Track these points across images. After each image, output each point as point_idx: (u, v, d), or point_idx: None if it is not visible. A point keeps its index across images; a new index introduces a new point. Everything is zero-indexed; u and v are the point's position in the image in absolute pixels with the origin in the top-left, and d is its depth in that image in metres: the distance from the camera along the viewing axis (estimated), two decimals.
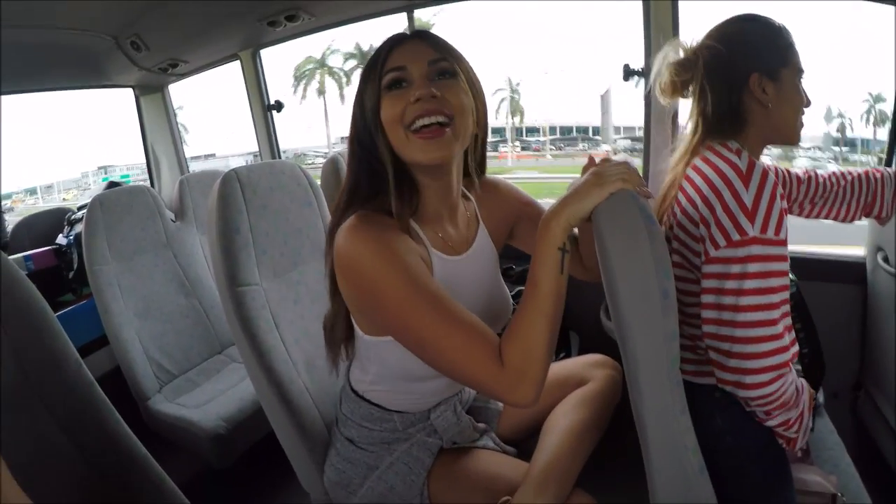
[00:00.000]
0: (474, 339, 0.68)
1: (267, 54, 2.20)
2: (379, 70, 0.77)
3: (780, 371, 0.75)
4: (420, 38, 0.79)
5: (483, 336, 0.69)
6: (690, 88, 0.90)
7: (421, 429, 0.93)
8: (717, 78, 0.86)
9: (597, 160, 0.79)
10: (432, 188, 0.82)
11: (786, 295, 0.75)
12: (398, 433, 0.92)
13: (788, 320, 0.78)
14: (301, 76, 19.48)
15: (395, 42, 0.79)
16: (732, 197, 0.75)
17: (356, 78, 0.94)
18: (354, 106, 0.80)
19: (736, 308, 0.74)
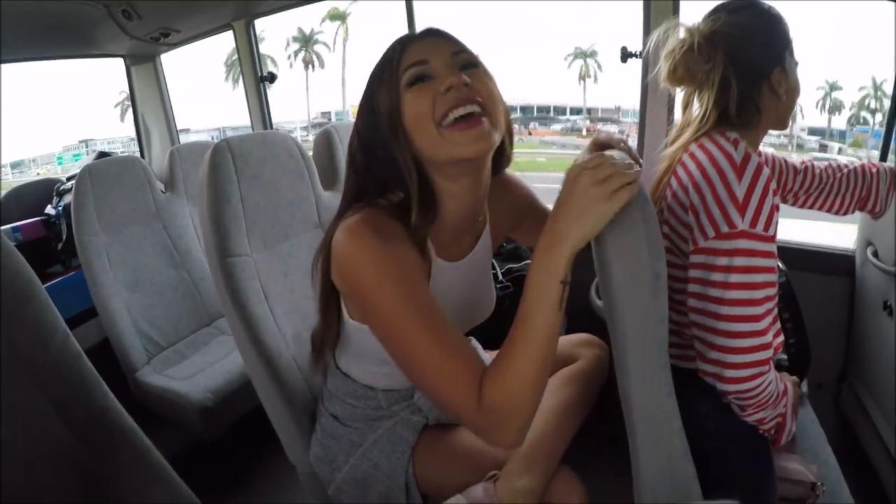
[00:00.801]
0: (460, 369, 0.64)
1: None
2: (395, 68, 0.71)
3: (759, 368, 0.75)
4: (434, 34, 0.74)
5: (471, 367, 0.64)
6: (699, 76, 0.85)
7: (405, 406, 0.92)
8: (742, 71, 0.82)
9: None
10: (456, 194, 0.76)
11: (771, 292, 0.75)
12: (382, 410, 0.92)
13: (771, 318, 0.77)
14: (232, 64, 19.92)
15: (407, 40, 0.73)
16: (724, 188, 0.74)
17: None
18: (361, 113, 0.75)
19: (720, 301, 0.74)
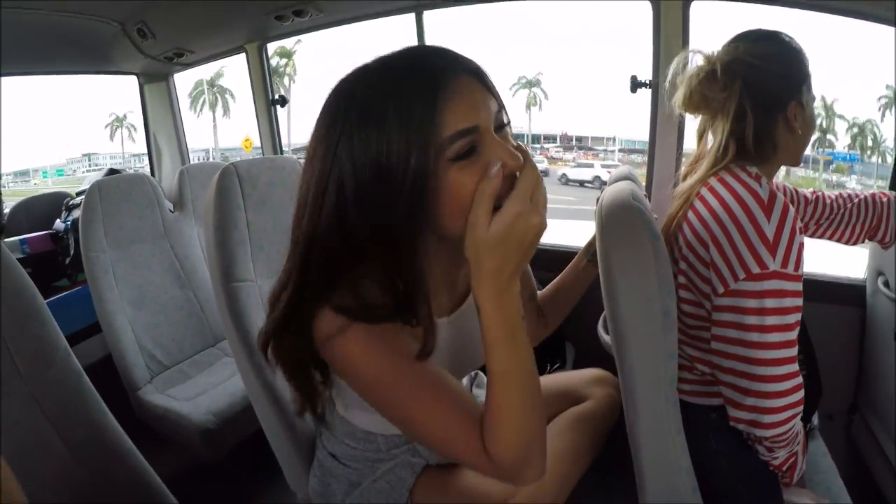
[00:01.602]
0: (464, 431, 0.59)
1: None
2: (433, 127, 0.54)
3: (797, 409, 0.73)
4: (476, 75, 0.59)
5: (476, 427, 0.59)
6: (714, 104, 0.85)
7: (405, 450, 0.89)
8: (759, 101, 0.81)
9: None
10: (449, 259, 0.69)
11: (797, 330, 0.73)
12: (382, 454, 0.88)
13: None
14: (197, 95, 20.64)
15: (443, 82, 0.55)
16: (753, 227, 0.71)
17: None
18: (359, 160, 0.56)
19: (759, 345, 0.71)
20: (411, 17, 1.84)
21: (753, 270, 0.70)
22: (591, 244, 0.98)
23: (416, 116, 0.54)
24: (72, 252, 2.05)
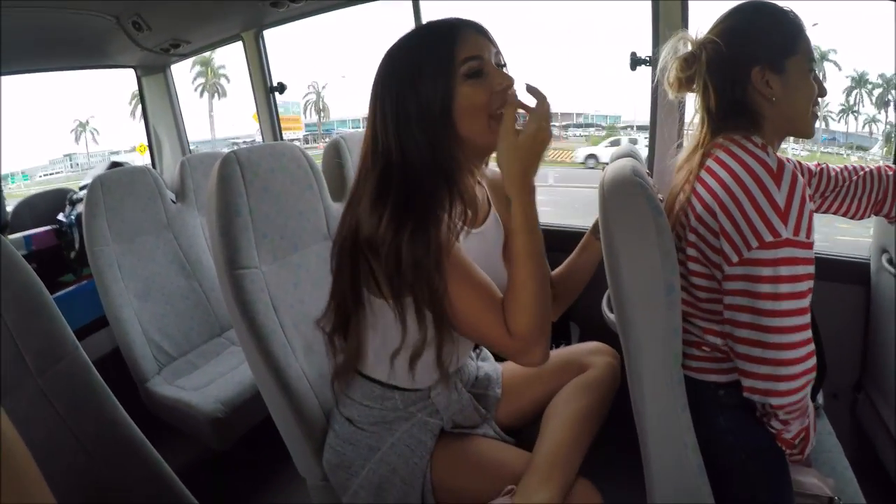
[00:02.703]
0: (494, 316, 0.75)
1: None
2: (449, 58, 0.76)
3: (810, 376, 0.74)
4: (479, 30, 0.81)
5: (501, 313, 0.75)
6: (695, 82, 0.88)
7: (422, 408, 0.92)
8: (718, 74, 0.84)
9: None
10: (469, 172, 0.86)
11: (810, 297, 0.73)
12: (399, 412, 0.91)
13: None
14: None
15: (457, 33, 0.78)
16: (764, 196, 0.71)
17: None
18: (398, 101, 0.78)
19: (773, 313, 0.72)
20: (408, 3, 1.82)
21: (766, 239, 0.70)
22: (598, 222, 0.99)
23: (440, 51, 0.77)
24: (76, 247, 2.06)
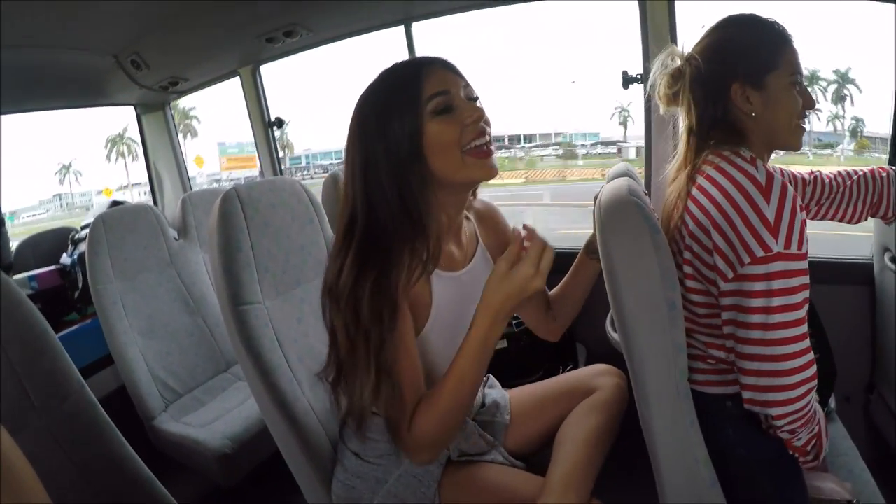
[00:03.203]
0: (409, 401, 0.75)
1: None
2: (416, 95, 0.76)
3: (810, 384, 0.73)
4: (446, 66, 0.81)
5: (414, 401, 0.76)
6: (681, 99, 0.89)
7: None
8: (699, 90, 0.86)
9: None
10: (449, 208, 0.84)
11: (807, 307, 0.73)
12: None
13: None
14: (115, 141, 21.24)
15: (421, 68, 0.79)
16: (754, 211, 0.72)
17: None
18: (368, 142, 0.78)
19: (765, 326, 0.72)
20: (401, 30, 1.86)
21: (758, 254, 0.71)
22: (590, 241, 1.01)
23: (407, 91, 0.76)
24: (80, 286, 2.07)
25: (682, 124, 0.91)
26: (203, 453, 1.49)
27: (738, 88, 0.83)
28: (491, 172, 0.78)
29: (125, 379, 1.69)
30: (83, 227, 2.26)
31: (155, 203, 2.62)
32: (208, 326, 1.95)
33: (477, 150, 0.77)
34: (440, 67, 0.80)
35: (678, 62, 0.88)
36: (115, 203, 2.38)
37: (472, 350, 0.73)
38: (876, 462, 1.07)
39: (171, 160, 2.57)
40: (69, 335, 1.91)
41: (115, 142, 20.98)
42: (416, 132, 0.76)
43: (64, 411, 0.79)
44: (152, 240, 1.88)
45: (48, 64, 1.85)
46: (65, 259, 2.20)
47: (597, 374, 1.03)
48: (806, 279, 0.72)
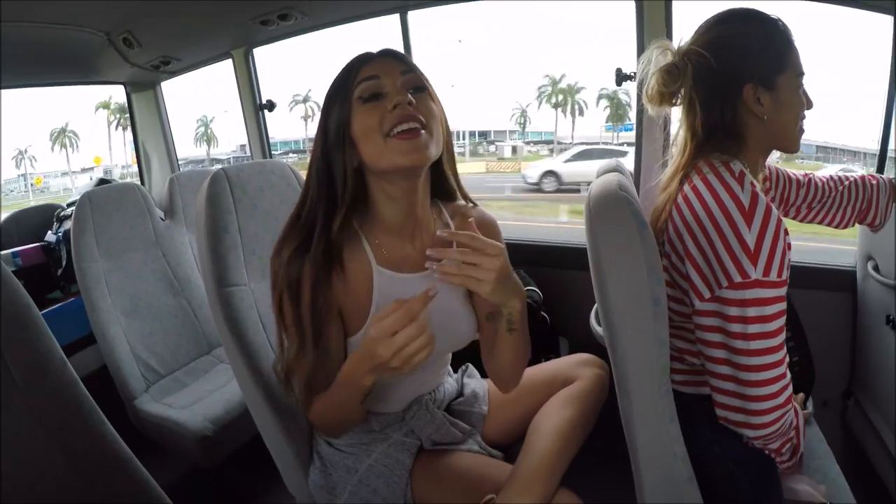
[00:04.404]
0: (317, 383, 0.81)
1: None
2: (350, 84, 0.78)
3: (785, 409, 0.74)
4: (388, 54, 0.81)
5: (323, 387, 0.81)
6: (680, 97, 0.85)
7: (397, 429, 0.93)
8: (707, 90, 0.81)
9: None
10: (395, 201, 0.82)
11: (784, 330, 0.73)
12: (375, 434, 0.92)
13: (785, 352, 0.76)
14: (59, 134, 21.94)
15: (363, 60, 0.79)
16: (735, 236, 0.70)
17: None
18: (318, 131, 0.80)
19: (742, 352, 0.72)
20: (396, 17, 1.84)
21: (735, 279, 0.70)
22: (491, 311, 0.89)
23: (344, 79, 0.78)
24: (64, 264, 2.04)
25: (681, 126, 0.86)
26: (184, 435, 1.49)
27: (752, 90, 0.79)
28: (413, 158, 0.75)
29: (107, 359, 1.67)
30: (69, 205, 2.22)
31: (142, 182, 2.58)
32: (192, 308, 1.93)
33: (400, 135, 0.75)
34: (382, 56, 0.80)
35: (671, 57, 0.84)
36: (102, 181, 2.35)
37: (342, 380, 0.77)
38: (851, 466, 1.09)
39: (160, 140, 2.53)
40: (52, 313, 1.88)
41: (58, 136, 21.57)
42: (344, 118, 0.77)
43: (45, 388, 0.78)
44: (138, 219, 1.86)
45: (39, 40, 1.81)
46: (49, 236, 2.16)
47: (578, 364, 1.02)
48: (783, 306, 0.71)
